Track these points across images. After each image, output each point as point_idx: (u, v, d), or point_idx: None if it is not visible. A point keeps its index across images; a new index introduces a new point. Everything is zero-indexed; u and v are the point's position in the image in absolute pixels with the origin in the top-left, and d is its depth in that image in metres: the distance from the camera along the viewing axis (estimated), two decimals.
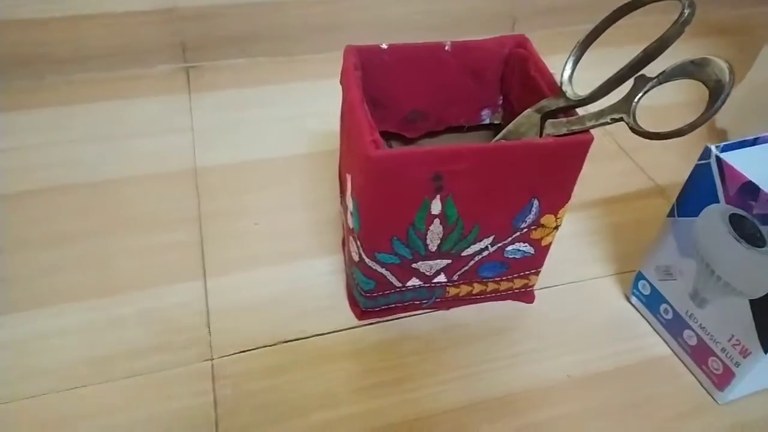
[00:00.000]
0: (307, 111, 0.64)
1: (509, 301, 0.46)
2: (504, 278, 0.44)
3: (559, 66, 0.38)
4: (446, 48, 0.42)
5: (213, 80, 0.68)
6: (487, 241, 0.40)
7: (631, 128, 0.33)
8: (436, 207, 0.36)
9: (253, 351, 0.42)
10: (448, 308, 0.45)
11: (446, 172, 0.34)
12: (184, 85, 0.67)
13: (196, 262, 0.48)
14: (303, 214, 0.52)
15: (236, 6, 0.68)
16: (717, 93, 0.30)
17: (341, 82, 0.40)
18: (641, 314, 0.46)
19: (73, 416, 0.38)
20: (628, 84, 0.34)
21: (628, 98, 0.33)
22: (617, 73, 0.34)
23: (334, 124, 0.42)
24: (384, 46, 0.42)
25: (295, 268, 0.48)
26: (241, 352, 0.42)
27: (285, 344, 0.43)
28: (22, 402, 0.38)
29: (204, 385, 0.40)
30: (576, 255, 0.51)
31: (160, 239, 0.49)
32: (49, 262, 0.47)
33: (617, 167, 0.60)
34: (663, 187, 0.57)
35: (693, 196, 0.39)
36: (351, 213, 0.40)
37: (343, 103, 0.40)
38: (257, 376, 0.41)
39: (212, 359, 0.41)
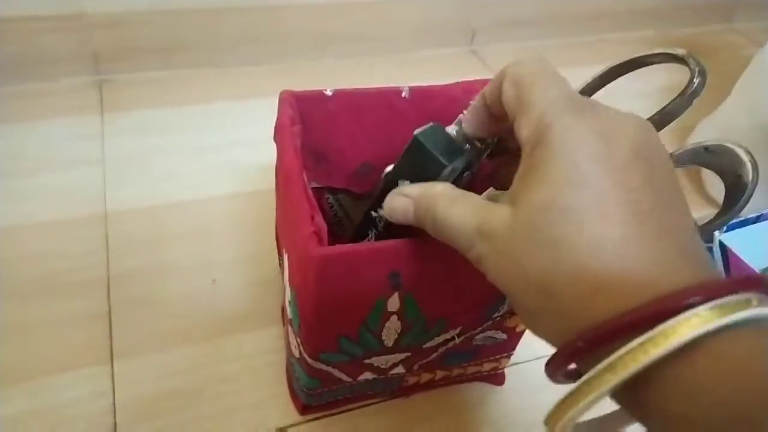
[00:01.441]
0: (239, 138, 0.56)
1: (476, 382, 0.40)
2: (471, 364, 0.37)
3: None
4: (403, 95, 0.35)
5: (130, 96, 0.59)
6: (453, 332, 0.33)
7: None
8: (393, 304, 0.29)
9: None
10: (406, 396, 0.39)
11: (406, 271, 0.27)
12: (95, 103, 0.58)
13: (102, 341, 0.39)
14: (234, 273, 0.45)
15: (158, 12, 0.59)
16: (738, 192, 0.24)
17: (275, 140, 0.32)
18: None
19: None
20: None
21: None
22: None
23: (270, 156, 0.34)
24: (328, 92, 0.34)
25: (223, 346, 0.40)
26: None
27: None
28: None
29: None
30: None
31: (57, 310, 0.41)
32: None
33: None
34: None
35: None
36: (289, 302, 0.32)
37: (277, 164, 0.32)
38: None
39: None
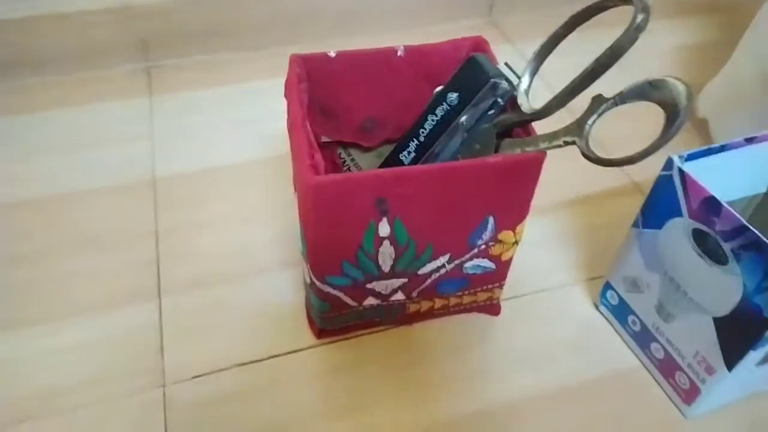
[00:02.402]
0: (271, 111, 0.60)
1: (474, 313, 0.45)
2: (466, 293, 0.42)
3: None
4: (399, 53, 0.40)
5: (175, 80, 0.66)
6: (443, 259, 0.38)
7: (582, 153, 0.31)
8: (383, 229, 0.34)
9: (207, 375, 0.41)
10: (410, 324, 0.44)
11: (390, 196, 0.32)
12: (145, 87, 0.65)
13: (152, 282, 0.46)
14: (265, 225, 0.51)
15: (198, 2, 0.65)
16: (672, 118, 0.28)
17: (285, 96, 0.38)
18: (610, 324, 0.45)
19: None
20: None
21: (582, 121, 0.31)
22: (570, 84, 0.32)
23: None
24: (332, 53, 0.39)
25: (254, 284, 0.46)
26: (194, 377, 0.41)
27: (240, 367, 0.41)
28: None
29: (155, 416, 0.39)
30: (545, 261, 0.49)
31: (114, 258, 0.48)
32: None
33: (590, 163, 0.57)
34: (639, 184, 0.55)
35: (656, 208, 0.37)
36: (300, 236, 0.38)
37: (287, 117, 0.38)
38: (210, 403, 0.39)
39: (164, 386, 0.40)
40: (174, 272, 0.47)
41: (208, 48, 0.69)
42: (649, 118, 0.31)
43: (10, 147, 0.57)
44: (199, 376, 0.41)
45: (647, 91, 0.30)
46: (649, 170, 0.56)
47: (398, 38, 0.42)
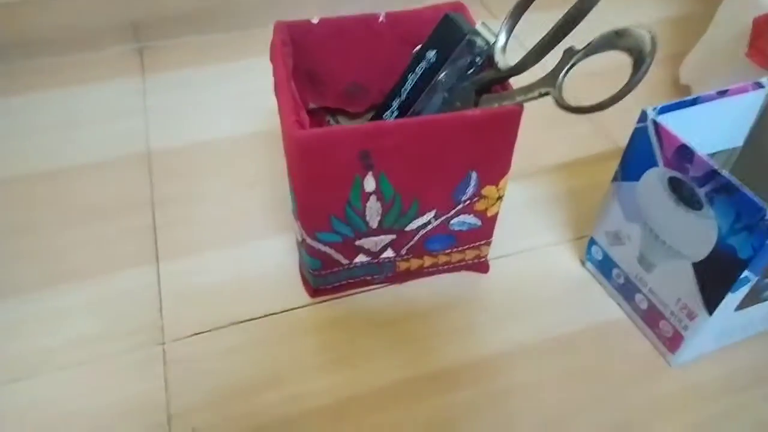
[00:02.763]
0: (261, 86, 0.62)
1: (464, 272, 0.46)
2: (454, 250, 0.43)
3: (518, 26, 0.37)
4: (380, 20, 0.41)
5: (167, 60, 0.67)
6: (429, 215, 0.39)
7: (556, 102, 0.32)
8: (369, 184, 0.36)
9: (205, 333, 0.42)
10: (401, 282, 0.45)
11: (374, 149, 0.34)
12: (137, 67, 0.66)
13: (149, 248, 0.48)
14: (258, 193, 0.52)
15: None
16: (638, 64, 0.29)
17: (270, 59, 0.39)
18: (596, 279, 0.46)
19: (21, 408, 0.38)
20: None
21: (555, 72, 0.32)
22: (541, 40, 0.33)
23: None
24: (314, 20, 0.41)
25: (248, 249, 0.48)
26: (193, 335, 0.42)
27: (237, 325, 0.43)
28: None
29: (155, 370, 0.40)
30: (533, 222, 0.50)
31: (112, 226, 0.49)
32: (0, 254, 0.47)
33: (577, 130, 0.59)
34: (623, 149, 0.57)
35: (633, 160, 0.38)
36: (290, 194, 0.39)
37: (273, 80, 0.39)
38: (208, 358, 0.41)
39: (164, 343, 0.42)
40: (171, 238, 0.48)
41: (198, 29, 0.70)
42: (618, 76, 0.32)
43: (9, 125, 0.58)
44: (197, 334, 0.42)
45: (614, 40, 0.31)
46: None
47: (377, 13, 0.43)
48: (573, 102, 0.32)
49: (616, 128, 0.58)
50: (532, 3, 0.36)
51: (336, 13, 0.73)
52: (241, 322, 0.43)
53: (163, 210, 0.50)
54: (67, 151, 0.56)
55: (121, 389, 0.39)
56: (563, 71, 0.32)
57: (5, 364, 0.40)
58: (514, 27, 0.36)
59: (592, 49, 0.32)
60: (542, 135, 0.37)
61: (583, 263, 0.47)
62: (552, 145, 0.56)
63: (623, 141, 0.58)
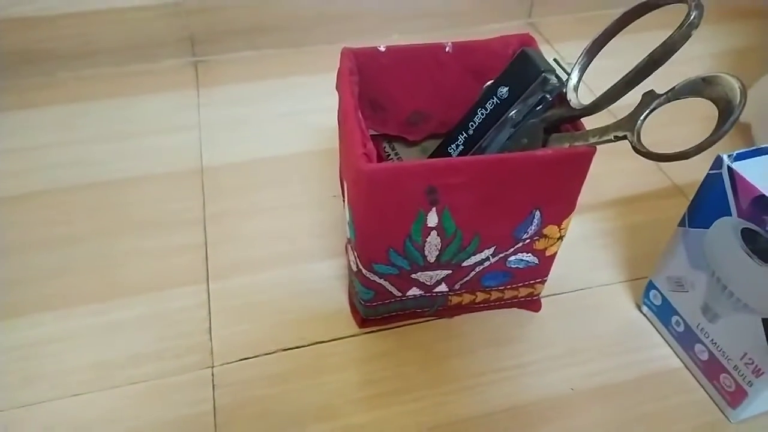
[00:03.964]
0: (315, 106, 0.63)
1: (515, 309, 0.45)
2: (508, 287, 0.42)
3: (574, 54, 0.36)
4: (446, 49, 0.41)
5: (221, 74, 0.68)
6: (488, 252, 0.38)
7: (634, 148, 0.31)
8: (432, 219, 0.35)
9: (253, 359, 0.42)
10: (451, 316, 0.45)
11: (441, 186, 0.33)
12: (192, 80, 0.67)
13: (200, 265, 0.48)
14: (309, 215, 0.52)
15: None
16: (726, 114, 0.28)
17: (336, 88, 0.39)
18: (653, 325, 0.45)
19: (73, 425, 0.38)
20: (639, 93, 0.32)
21: (634, 116, 0.31)
22: (621, 80, 0.32)
23: None
24: (381, 48, 0.40)
25: (298, 272, 0.47)
26: (241, 359, 0.42)
27: (285, 352, 0.42)
28: (20, 409, 0.39)
29: (204, 393, 0.40)
30: (587, 260, 0.49)
31: (164, 241, 0.50)
32: (52, 264, 0.47)
33: (632, 165, 0.57)
34: (681, 187, 0.55)
35: (704, 207, 0.37)
36: (348, 222, 0.39)
37: (338, 109, 0.39)
38: (257, 385, 0.41)
39: (213, 366, 0.41)
40: (221, 257, 0.48)
41: (253, 44, 0.71)
42: (684, 118, 0.31)
43: (65, 134, 0.59)
44: (246, 359, 0.42)
45: (700, 87, 0.30)
46: (690, 173, 0.55)
47: (436, 37, 0.43)
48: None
49: (673, 164, 0.56)
50: (608, 42, 0.35)
51: (390, 34, 0.73)
52: (289, 349, 0.43)
53: (214, 227, 0.51)
54: (120, 162, 0.56)
55: (170, 411, 0.39)
56: (642, 115, 0.31)
57: (61, 379, 0.41)
58: (588, 65, 0.35)
59: (675, 94, 0.31)
60: (594, 168, 0.37)
61: (639, 307, 0.46)
62: (605, 179, 0.55)
63: (678, 178, 0.57)
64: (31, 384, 0.40)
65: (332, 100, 0.45)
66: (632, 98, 0.33)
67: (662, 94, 0.31)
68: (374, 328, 0.44)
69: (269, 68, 0.69)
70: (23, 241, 0.49)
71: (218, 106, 0.63)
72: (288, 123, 0.61)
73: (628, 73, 0.32)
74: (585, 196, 0.37)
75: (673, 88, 0.31)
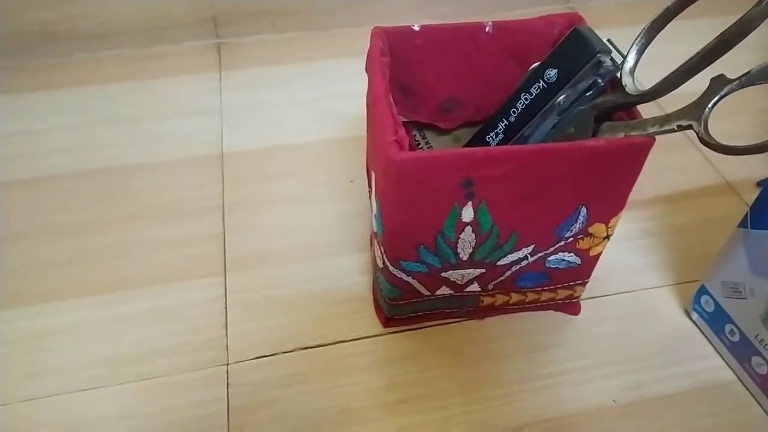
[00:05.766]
0: (339, 91, 0.60)
1: (551, 311, 0.42)
2: (545, 288, 0.39)
3: (617, 42, 0.33)
4: (486, 29, 0.38)
5: (244, 57, 0.65)
6: (526, 251, 0.35)
7: (700, 139, 0.28)
8: (467, 214, 0.32)
9: (270, 357, 0.39)
10: (482, 318, 0.41)
11: (478, 178, 0.30)
12: (214, 63, 0.64)
13: (217, 257, 0.45)
14: (332, 206, 0.49)
15: None
16: None
17: (366, 69, 0.36)
18: (702, 333, 0.41)
19: (78, 421, 0.36)
20: (704, 78, 0.29)
21: (700, 103, 0.28)
22: (686, 63, 0.28)
23: (363, 108, 0.38)
24: (416, 27, 0.37)
25: (320, 267, 0.45)
26: (257, 357, 0.39)
27: (304, 351, 0.40)
28: (25, 403, 0.37)
29: (218, 392, 0.38)
30: (630, 261, 0.45)
31: (181, 230, 0.47)
32: (63, 253, 0.45)
33: (680, 159, 0.53)
34: (732, 184, 0.51)
35: None
36: (375, 216, 0.36)
37: (368, 92, 0.36)
38: (273, 385, 0.38)
39: (227, 364, 0.39)
40: (240, 248, 0.46)
41: (277, 27, 0.68)
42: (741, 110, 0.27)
43: (80, 117, 0.57)
44: (262, 357, 0.39)
45: None
46: (744, 170, 0.52)
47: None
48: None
49: (724, 159, 0.52)
50: (669, 21, 0.31)
51: (420, 17, 0.70)
52: (308, 348, 0.40)
53: (232, 216, 0.48)
54: (135, 147, 0.54)
55: (181, 411, 0.37)
56: (711, 103, 0.28)
57: (68, 373, 0.39)
58: (647, 46, 0.32)
59: (750, 79, 0.27)
60: None
61: (688, 313, 0.42)
62: (649, 174, 0.51)
63: (731, 174, 0.53)
64: (37, 377, 0.38)
65: (358, 86, 0.42)
66: (693, 87, 0.29)
67: (734, 79, 0.27)
68: (399, 328, 0.41)
69: (292, 51, 0.66)
70: (31, 227, 0.47)
71: (240, 90, 0.61)
72: (311, 109, 0.58)
73: (692, 57, 0.28)
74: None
75: (749, 72, 0.27)
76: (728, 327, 0.38)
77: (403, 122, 0.41)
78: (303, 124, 0.57)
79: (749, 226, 0.35)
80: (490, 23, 0.38)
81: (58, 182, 0.51)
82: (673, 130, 0.29)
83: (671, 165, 0.53)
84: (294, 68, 0.64)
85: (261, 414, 0.37)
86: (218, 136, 0.56)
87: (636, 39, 0.32)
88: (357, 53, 0.37)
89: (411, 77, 0.39)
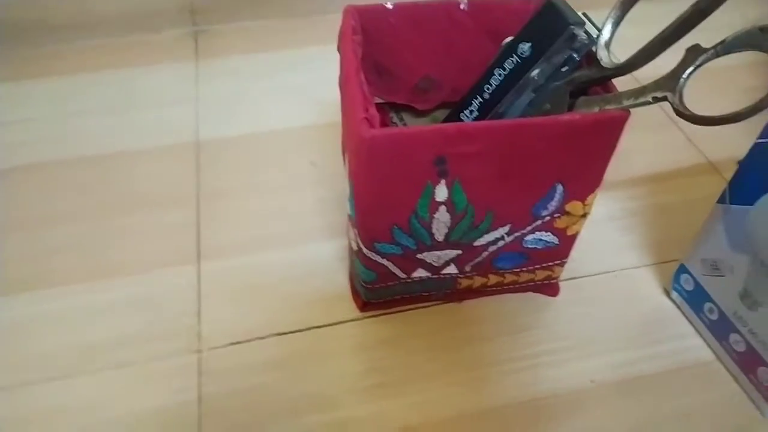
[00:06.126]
0: (318, 78, 0.59)
1: (530, 293, 0.41)
2: (524, 269, 0.39)
3: (596, 19, 0.32)
4: (461, 6, 0.37)
5: (222, 45, 0.64)
6: (502, 231, 0.35)
7: (675, 110, 0.27)
8: (441, 193, 0.31)
9: (244, 343, 0.39)
10: (460, 300, 0.41)
11: (451, 155, 0.29)
12: (191, 51, 0.63)
13: (192, 244, 0.44)
14: (310, 192, 0.48)
15: None
16: None
17: (338, 49, 0.35)
18: (682, 312, 0.41)
19: (53, 410, 0.36)
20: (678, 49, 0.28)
21: (675, 74, 0.27)
22: (661, 33, 0.28)
23: None
24: (389, 5, 0.36)
25: (296, 253, 0.44)
26: (231, 344, 0.39)
27: (279, 336, 0.39)
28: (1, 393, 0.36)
29: (188, 381, 0.37)
30: (610, 241, 0.45)
31: (155, 219, 0.46)
32: (36, 243, 0.44)
33: (662, 138, 0.53)
34: (715, 164, 0.51)
35: (749, 182, 0.33)
36: (348, 199, 0.35)
37: (339, 71, 0.35)
38: (247, 372, 0.37)
39: (200, 351, 0.38)
40: (214, 236, 0.45)
41: (255, 14, 0.67)
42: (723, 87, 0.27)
43: (56, 107, 0.56)
44: (236, 343, 0.39)
45: (758, 39, 0.26)
46: (726, 148, 0.51)
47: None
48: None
49: (707, 139, 0.52)
50: None
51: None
52: (284, 333, 0.39)
53: (208, 205, 0.47)
54: (113, 136, 0.53)
55: (152, 400, 0.36)
56: (686, 73, 0.27)
57: (41, 361, 0.38)
58: (622, 19, 0.31)
59: (725, 47, 0.26)
60: (622, 140, 0.33)
61: (667, 292, 0.42)
62: (634, 152, 0.51)
63: (713, 154, 0.53)
64: (8, 366, 0.37)
65: (336, 72, 0.42)
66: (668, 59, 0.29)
67: (709, 49, 0.27)
68: (376, 313, 0.41)
69: (272, 39, 0.65)
70: (5, 217, 0.46)
71: (217, 79, 0.60)
72: (289, 96, 0.57)
73: (668, 27, 0.28)
74: (608, 172, 0.33)
75: (723, 41, 0.27)
76: (707, 305, 0.38)
77: (379, 104, 0.40)
78: (282, 111, 0.56)
79: (728, 202, 0.35)
80: (465, 1, 0.37)
81: (32, 173, 0.50)
82: (648, 102, 0.28)
83: (654, 145, 0.52)
84: (273, 56, 0.63)
85: (234, 402, 0.36)
86: (194, 124, 0.55)
87: (611, 11, 0.31)
88: (336, 39, 0.36)
89: (385, 57, 0.38)
